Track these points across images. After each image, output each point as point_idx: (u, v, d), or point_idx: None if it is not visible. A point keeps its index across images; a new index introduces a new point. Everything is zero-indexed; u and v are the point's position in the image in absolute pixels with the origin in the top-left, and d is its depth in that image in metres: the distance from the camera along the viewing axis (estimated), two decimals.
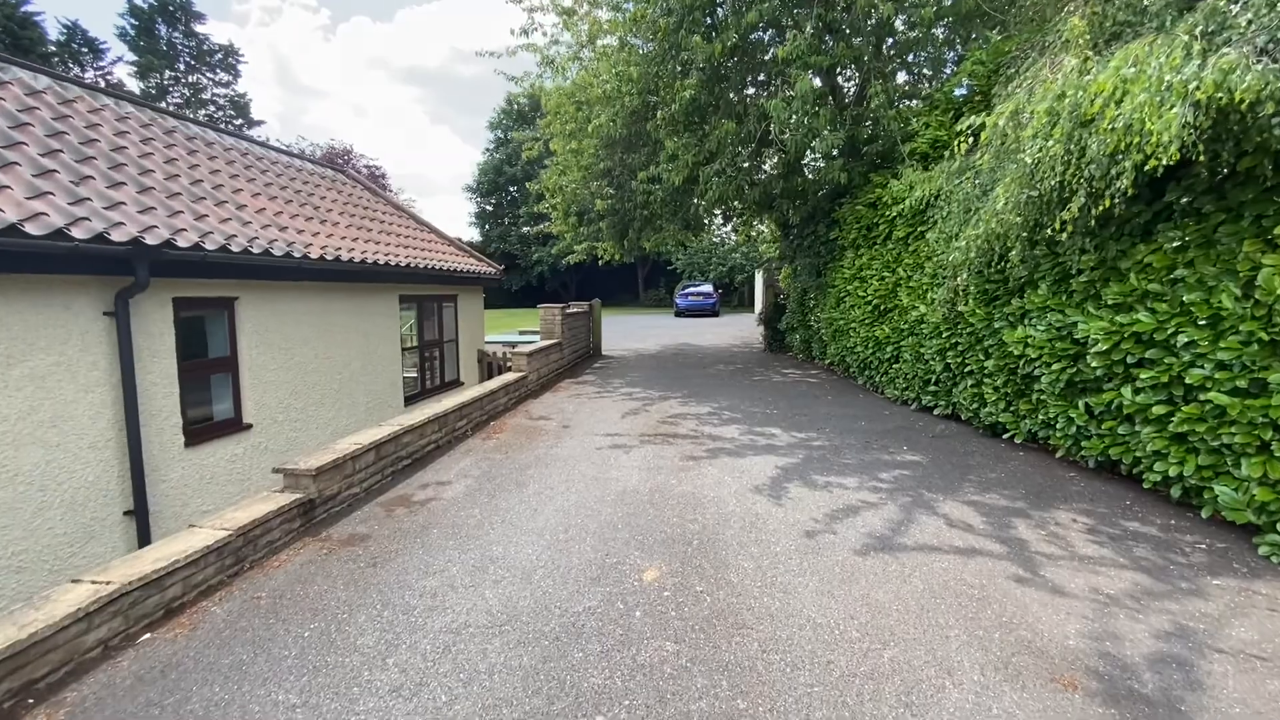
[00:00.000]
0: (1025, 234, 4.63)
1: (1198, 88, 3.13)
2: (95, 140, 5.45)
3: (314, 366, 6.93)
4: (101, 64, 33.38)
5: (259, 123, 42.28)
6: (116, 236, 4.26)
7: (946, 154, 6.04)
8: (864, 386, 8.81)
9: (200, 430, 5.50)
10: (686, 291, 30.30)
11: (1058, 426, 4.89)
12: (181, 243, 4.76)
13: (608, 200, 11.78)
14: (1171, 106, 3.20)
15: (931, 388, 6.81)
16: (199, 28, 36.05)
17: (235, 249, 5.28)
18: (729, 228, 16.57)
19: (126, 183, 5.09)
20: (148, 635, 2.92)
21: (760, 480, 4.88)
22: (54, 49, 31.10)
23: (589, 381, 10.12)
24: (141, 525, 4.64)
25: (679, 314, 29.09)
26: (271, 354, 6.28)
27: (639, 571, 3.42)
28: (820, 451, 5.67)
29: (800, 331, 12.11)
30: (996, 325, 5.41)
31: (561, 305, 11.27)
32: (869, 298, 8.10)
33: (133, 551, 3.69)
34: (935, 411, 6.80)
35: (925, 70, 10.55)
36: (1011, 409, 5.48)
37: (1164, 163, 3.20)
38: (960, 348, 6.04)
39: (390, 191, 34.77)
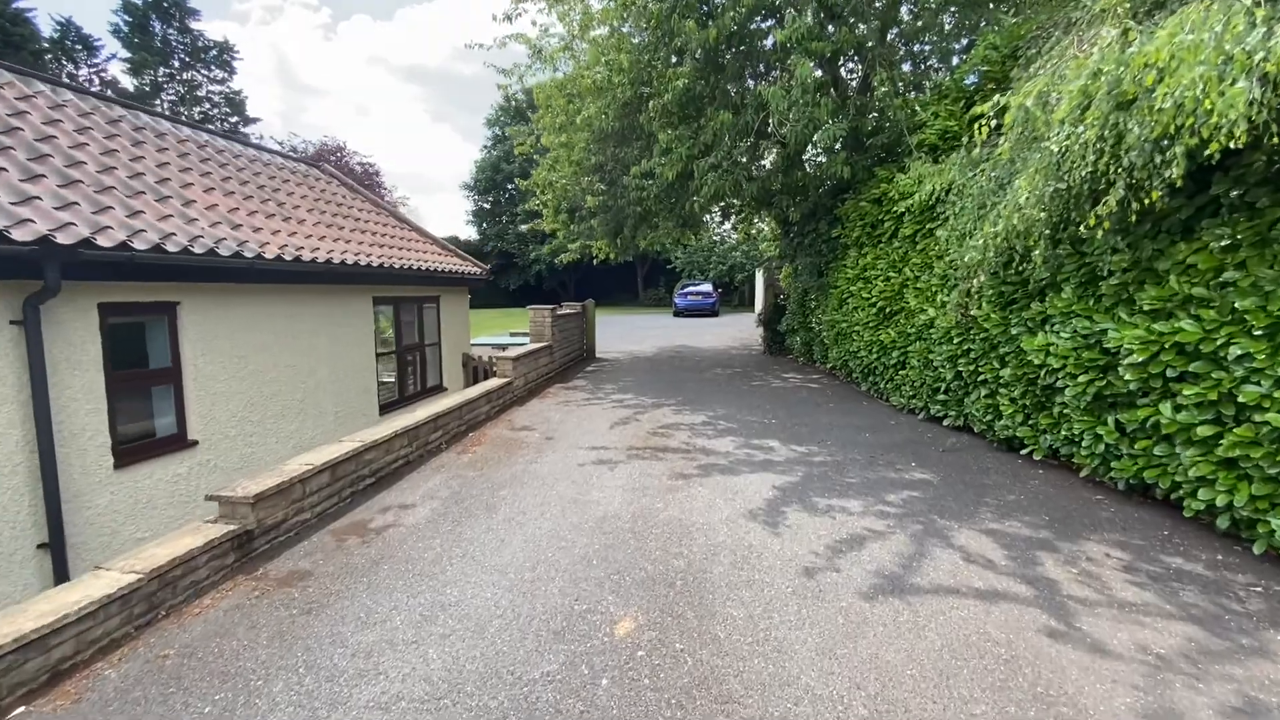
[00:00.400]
0: (1049, 231, 4.15)
1: (1265, 59, 2.66)
2: (18, 129, 4.97)
3: (273, 375, 6.43)
4: (96, 61, 33.02)
5: (255, 120, 41.87)
6: (19, 235, 3.76)
7: (965, 140, 5.52)
8: (868, 393, 8.34)
9: (135, 449, 5.01)
10: (685, 291, 29.51)
11: (1083, 444, 4.43)
12: (104, 241, 4.26)
13: (599, 196, 11.29)
14: (1234, 81, 2.72)
15: (941, 397, 6.34)
16: (194, 24, 35.56)
17: (172, 248, 4.76)
18: (728, 225, 16.06)
19: (47, 175, 4.59)
20: (22, 709, 2.47)
21: (755, 503, 4.43)
22: (47, 46, 30.66)
23: (579, 387, 9.66)
24: (59, 560, 4.14)
25: (677, 314, 28.39)
26: (222, 363, 5.78)
27: (611, 623, 2.96)
28: (821, 468, 5.21)
29: (801, 334, 11.65)
30: (1014, 331, 4.96)
31: (552, 306, 10.81)
32: (873, 299, 7.63)
33: (43, 592, 3.22)
34: (945, 422, 6.33)
35: (932, 61, 10.05)
36: (1030, 422, 5.03)
37: (1230, 145, 2.73)
38: (973, 354, 5.58)
39: (385, 189, 34.23)
